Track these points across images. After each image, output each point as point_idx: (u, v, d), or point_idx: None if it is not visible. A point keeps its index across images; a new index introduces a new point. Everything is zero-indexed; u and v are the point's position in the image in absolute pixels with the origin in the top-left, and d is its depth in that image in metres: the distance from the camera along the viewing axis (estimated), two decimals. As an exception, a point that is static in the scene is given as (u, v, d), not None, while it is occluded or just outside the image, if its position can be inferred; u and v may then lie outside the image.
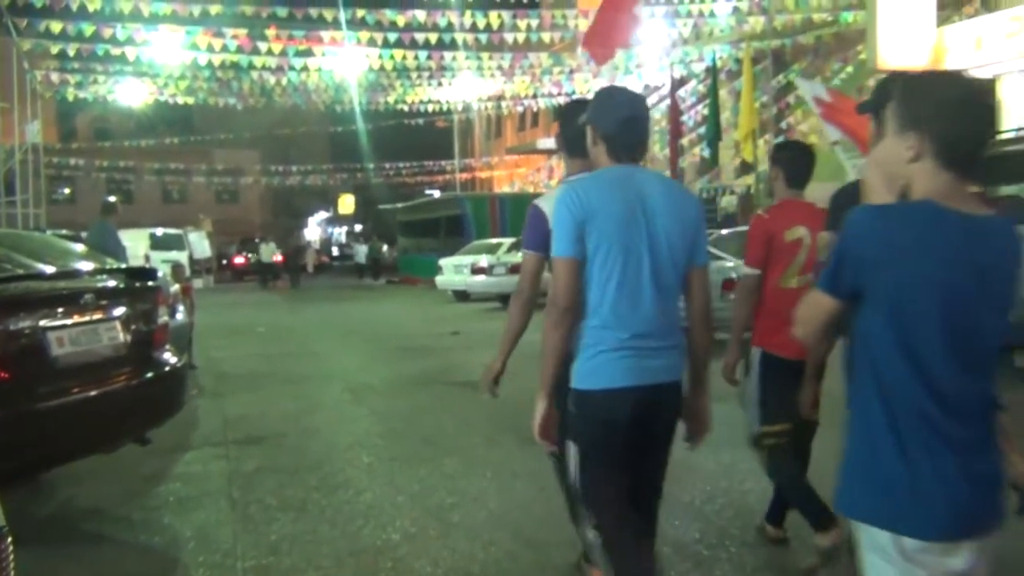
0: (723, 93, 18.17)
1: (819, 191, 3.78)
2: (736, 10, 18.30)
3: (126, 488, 4.88)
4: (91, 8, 15.58)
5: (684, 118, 19.35)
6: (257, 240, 35.90)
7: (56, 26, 16.47)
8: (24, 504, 4.48)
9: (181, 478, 5.13)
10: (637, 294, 2.44)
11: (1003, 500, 1.74)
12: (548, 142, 27.27)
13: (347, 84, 21.95)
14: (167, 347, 4.86)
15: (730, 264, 9.60)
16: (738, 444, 4.06)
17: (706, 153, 18.28)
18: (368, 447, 5.85)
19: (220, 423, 6.69)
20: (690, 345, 2.59)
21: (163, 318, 4.89)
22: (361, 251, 37.33)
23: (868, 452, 1.71)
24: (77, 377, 4.04)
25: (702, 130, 18.69)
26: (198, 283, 20.93)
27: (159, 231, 25.10)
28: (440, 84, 22.70)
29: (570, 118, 3.02)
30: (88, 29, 16.48)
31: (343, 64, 20.08)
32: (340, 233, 64.85)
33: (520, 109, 28.17)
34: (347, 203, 56.31)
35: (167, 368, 4.67)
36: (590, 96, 2.75)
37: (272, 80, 20.72)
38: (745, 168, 18.18)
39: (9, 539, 2.08)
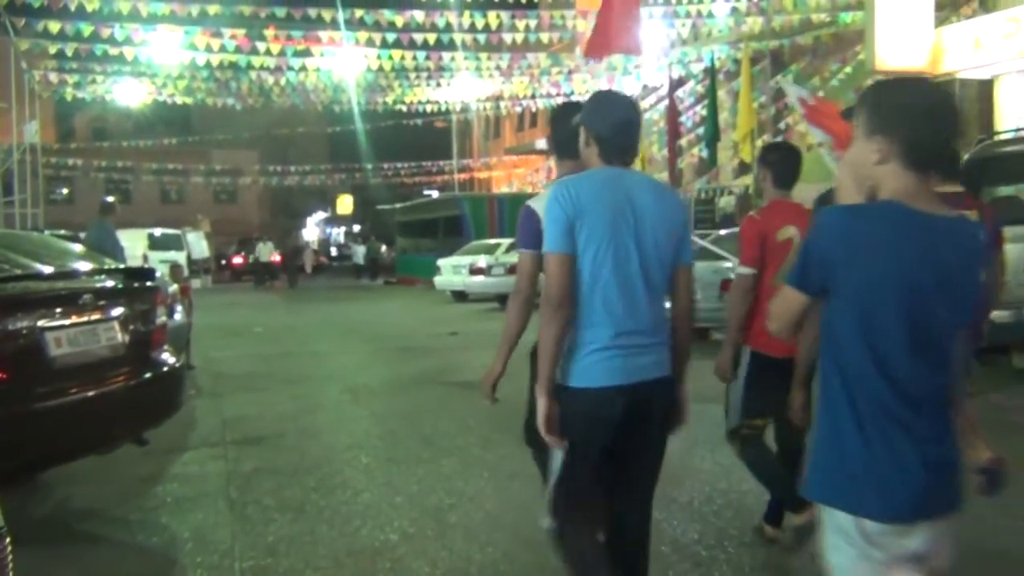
0: (721, 94, 18.17)
1: (807, 192, 3.82)
2: (734, 11, 18.29)
3: (124, 488, 4.87)
4: (89, 8, 15.55)
5: (682, 119, 19.33)
6: (255, 239, 35.88)
7: (54, 26, 16.44)
8: (22, 504, 4.48)
9: (179, 479, 5.12)
10: (626, 292, 2.50)
11: (960, 485, 1.82)
12: (546, 143, 27.23)
13: (345, 84, 21.92)
14: (165, 347, 4.86)
15: (728, 264, 9.61)
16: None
17: (704, 154, 18.26)
18: (366, 448, 5.85)
19: (218, 424, 6.68)
20: (672, 340, 2.67)
21: (161, 318, 4.88)
22: (359, 251, 37.33)
23: (833, 440, 1.81)
24: (75, 377, 4.04)
25: (700, 131, 18.68)
26: (196, 283, 20.90)
27: (157, 231, 25.10)
28: (439, 84, 22.69)
29: (561, 120, 3.10)
30: (86, 29, 16.44)
31: (341, 64, 20.05)
32: (338, 233, 64.83)
33: (519, 110, 28.16)
34: (345, 203, 56.31)
35: (165, 368, 4.67)
36: (586, 97, 2.79)
37: (270, 80, 20.68)
38: (743, 168, 18.17)
39: (8, 539, 2.08)
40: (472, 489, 4.75)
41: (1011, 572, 3.53)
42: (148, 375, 4.50)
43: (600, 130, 2.59)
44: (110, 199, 9.59)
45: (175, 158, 40.16)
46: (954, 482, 1.81)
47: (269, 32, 17.73)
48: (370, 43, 18.15)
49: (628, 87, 21.57)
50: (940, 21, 13.68)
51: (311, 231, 60.48)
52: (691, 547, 3.79)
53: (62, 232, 14.65)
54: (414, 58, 18.86)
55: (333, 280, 35.38)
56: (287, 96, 23.17)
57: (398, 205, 32.56)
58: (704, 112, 17.62)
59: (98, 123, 46.04)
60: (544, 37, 18.89)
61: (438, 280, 20.23)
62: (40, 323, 3.90)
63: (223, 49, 17.40)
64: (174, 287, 8.38)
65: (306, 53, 19.28)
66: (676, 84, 17.89)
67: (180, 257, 20.91)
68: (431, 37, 18.37)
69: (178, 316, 8.04)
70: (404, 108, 24.31)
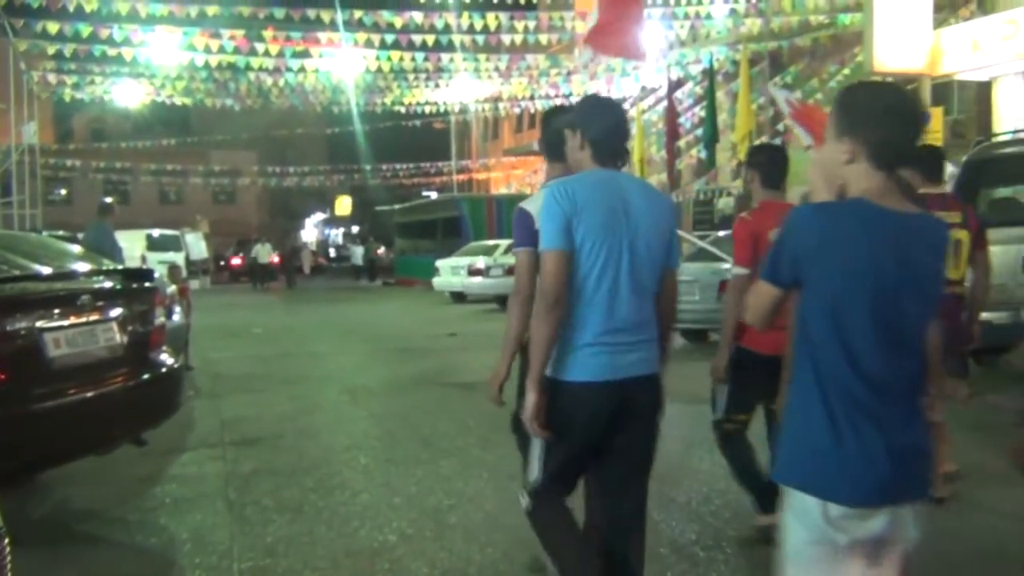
0: (720, 95, 18.18)
1: (797, 193, 3.84)
2: (733, 12, 18.31)
3: (122, 489, 4.87)
4: (88, 9, 15.55)
5: (681, 120, 19.35)
6: (254, 240, 35.85)
7: (53, 27, 16.42)
8: (21, 505, 4.47)
9: (177, 479, 5.12)
10: (616, 291, 2.57)
11: (926, 472, 1.90)
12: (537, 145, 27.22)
13: (344, 85, 21.92)
14: (163, 348, 4.85)
15: (727, 266, 9.62)
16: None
17: (703, 155, 18.26)
18: (365, 448, 5.85)
19: (216, 424, 6.67)
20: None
21: (159, 319, 4.88)
22: (358, 252, 37.32)
23: (803, 425, 1.87)
24: (73, 378, 4.03)
25: (699, 132, 18.68)
26: (195, 284, 20.87)
27: (156, 232, 25.04)
28: (437, 85, 22.68)
29: (551, 124, 3.17)
30: (85, 30, 16.43)
31: (340, 65, 20.04)
32: (337, 234, 64.81)
33: (517, 111, 28.18)
34: (344, 204, 56.25)
35: (163, 369, 4.67)
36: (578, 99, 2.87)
37: (269, 81, 20.68)
38: (742, 170, 18.16)
39: (7, 540, 2.08)
40: (471, 490, 4.75)
41: (1011, 572, 3.53)
42: (147, 376, 4.49)
43: (594, 133, 2.67)
44: (108, 200, 9.59)
45: (174, 159, 40.15)
46: (920, 469, 1.88)
47: (268, 33, 17.73)
48: (369, 44, 18.15)
49: (627, 88, 21.62)
50: (939, 23, 13.71)
51: (310, 232, 60.45)
52: (689, 547, 3.79)
53: (60, 233, 14.66)
54: (413, 59, 18.87)
55: (331, 281, 35.37)
56: (286, 97, 23.17)
57: (397, 206, 32.56)
58: (703, 113, 17.63)
59: (97, 124, 46.03)
60: (543, 38, 18.92)
61: (437, 281, 20.23)
62: (39, 324, 3.90)
63: (222, 50, 17.40)
64: (172, 288, 8.37)
65: (305, 54, 19.28)
66: (675, 85, 17.92)
67: (178, 258, 20.90)
68: (430, 38, 18.36)
69: (176, 317, 8.03)
70: (403, 109, 24.32)
